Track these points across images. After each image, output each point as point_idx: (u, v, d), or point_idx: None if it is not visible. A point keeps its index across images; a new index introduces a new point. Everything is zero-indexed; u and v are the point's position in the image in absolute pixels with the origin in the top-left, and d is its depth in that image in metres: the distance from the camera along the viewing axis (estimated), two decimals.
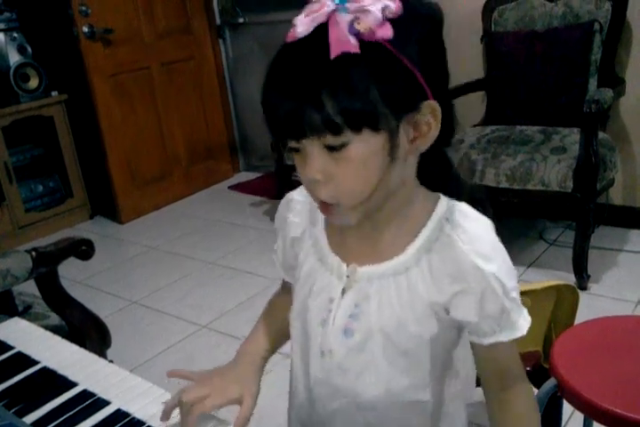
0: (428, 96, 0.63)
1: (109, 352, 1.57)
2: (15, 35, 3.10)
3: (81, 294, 1.68)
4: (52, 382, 0.90)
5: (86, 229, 3.35)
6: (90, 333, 1.51)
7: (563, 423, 1.44)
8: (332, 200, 0.65)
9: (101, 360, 0.96)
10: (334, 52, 0.58)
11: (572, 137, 2.31)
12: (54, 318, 1.50)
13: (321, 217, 0.76)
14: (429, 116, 0.64)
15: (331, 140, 0.60)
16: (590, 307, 1.66)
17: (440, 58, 0.67)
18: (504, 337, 0.70)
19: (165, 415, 0.78)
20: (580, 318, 1.30)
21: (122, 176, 3.36)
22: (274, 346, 0.87)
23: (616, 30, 2.42)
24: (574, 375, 1.07)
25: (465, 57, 2.87)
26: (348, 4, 0.59)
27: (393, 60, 0.60)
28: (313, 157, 0.63)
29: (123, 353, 1.62)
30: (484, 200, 0.75)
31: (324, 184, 0.64)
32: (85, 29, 3.06)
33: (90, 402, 0.84)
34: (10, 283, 1.36)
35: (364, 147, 0.61)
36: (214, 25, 3.77)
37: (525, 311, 0.71)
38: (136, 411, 0.82)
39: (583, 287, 2.20)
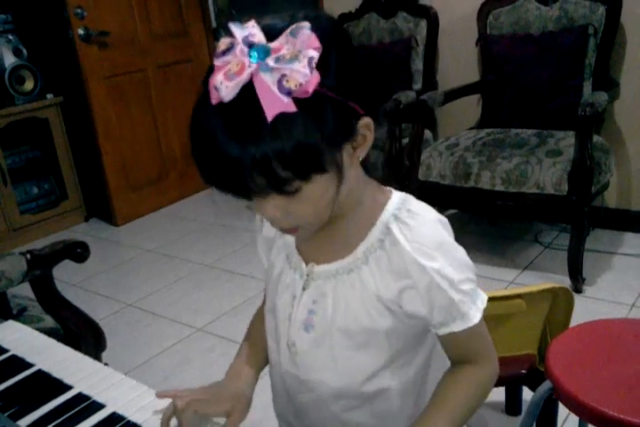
0: (359, 114, 0.64)
1: (104, 355, 1.56)
2: (10, 37, 3.10)
3: (76, 296, 1.68)
4: (47, 385, 0.89)
5: (82, 231, 3.34)
6: (85, 335, 1.50)
7: (558, 426, 1.44)
8: (294, 226, 0.68)
9: (96, 363, 0.96)
10: (270, 114, 0.56)
11: (567, 140, 2.31)
12: (49, 321, 1.49)
13: None
14: (364, 131, 0.66)
15: (282, 191, 0.62)
16: (585, 310, 1.67)
17: (356, 64, 0.66)
18: (456, 327, 0.73)
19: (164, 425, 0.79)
20: (575, 320, 1.30)
21: (117, 178, 3.35)
22: (263, 363, 0.89)
23: (610, 34, 2.44)
24: (569, 378, 1.08)
25: (460, 60, 2.88)
26: (268, 60, 0.57)
27: (325, 101, 0.59)
28: (268, 204, 0.64)
29: (118, 356, 1.62)
30: None
31: (284, 218, 0.66)
32: (81, 32, 3.06)
33: (85, 405, 0.84)
34: (4, 285, 1.35)
35: (316, 187, 0.63)
36: (210, 27, 3.77)
37: (480, 301, 0.74)
38: (131, 414, 0.82)
39: (578, 290, 2.21)
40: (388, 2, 2.95)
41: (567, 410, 1.10)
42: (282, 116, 0.57)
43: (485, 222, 2.85)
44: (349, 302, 0.74)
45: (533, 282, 2.25)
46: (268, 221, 0.73)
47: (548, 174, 2.19)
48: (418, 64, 2.88)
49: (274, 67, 0.57)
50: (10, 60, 3.07)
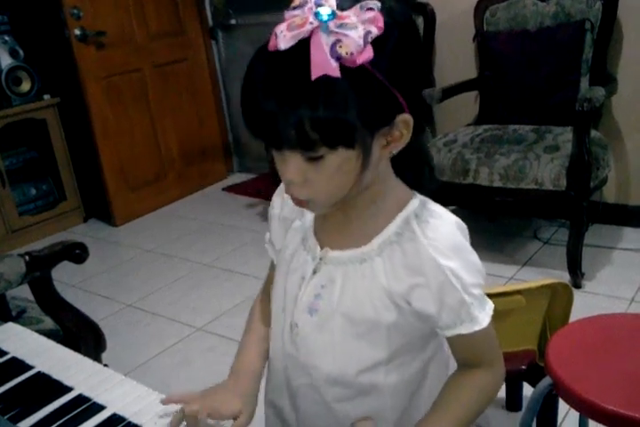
0: (402, 108, 0.66)
1: (104, 356, 1.56)
2: (7, 38, 3.09)
3: (75, 297, 1.68)
4: (47, 387, 0.89)
5: (80, 232, 3.34)
6: (85, 337, 1.50)
7: (558, 422, 1.45)
8: (307, 198, 0.70)
9: (96, 364, 0.96)
10: (315, 73, 0.59)
11: (565, 136, 2.31)
12: (49, 323, 1.49)
13: None
14: (402, 128, 0.67)
15: (307, 153, 0.64)
16: (585, 305, 1.67)
17: (416, 62, 0.68)
18: (464, 330, 0.73)
19: None
20: (575, 316, 1.30)
21: (115, 179, 3.35)
22: (265, 358, 0.89)
23: (607, 29, 2.43)
24: (569, 373, 1.08)
25: (458, 57, 2.88)
26: (330, 23, 0.60)
27: (371, 79, 0.61)
28: (291, 163, 0.66)
29: (118, 357, 1.62)
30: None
31: (300, 186, 0.68)
32: (77, 32, 3.05)
33: (85, 407, 0.84)
34: (3, 287, 1.35)
35: (339, 160, 0.65)
36: (206, 26, 3.76)
37: (488, 307, 0.74)
38: (132, 415, 0.81)
39: (577, 285, 2.21)
40: None
41: (567, 405, 1.10)
42: (325, 79, 0.59)
43: (484, 219, 2.85)
44: (357, 291, 0.74)
45: (533, 278, 2.25)
46: (286, 194, 0.73)
47: (546, 170, 2.18)
48: None
49: (333, 30, 0.60)
50: (6, 61, 3.07)
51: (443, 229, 0.71)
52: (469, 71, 2.79)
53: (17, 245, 3.07)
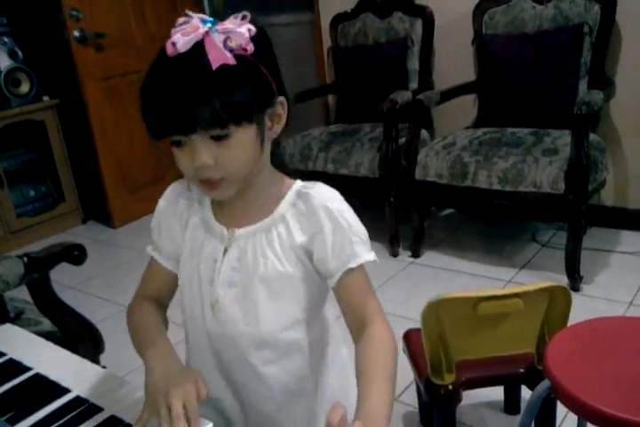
0: (277, 91, 0.81)
1: (102, 358, 1.56)
2: (6, 39, 3.09)
3: (74, 299, 1.67)
4: (45, 388, 0.89)
5: (79, 233, 3.34)
6: (83, 338, 1.50)
7: (557, 425, 1.45)
8: (221, 176, 0.80)
9: (94, 366, 0.96)
10: (215, 64, 0.73)
11: (564, 139, 2.32)
12: (46, 324, 1.49)
13: (207, 198, 0.92)
14: (280, 109, 0.83)
15: (217, 132, 0.76)
16: (583, 308, 1.67)
17: (274, 56, 0.83)
18: (352, 264, 0.83)
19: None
20: (573, 319, 1.30)
21: (114, 180, 3.35)
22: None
23: (605, 33, 2.44)
24: (568, 377, 1.08)
25: (456, 60, 2.88)
26: (217, 26, 0.75)
27: (254, 67, 0.77)
28: (202, 147, 0.77)
29: (116, 359, 1.61)
30: None
31: (214, 167, 0.79)
32: (76, 34, 3.06)
33: (83, 409, 0.84)
34: (1, 289, 1.35)
35: (243, 136, 0.78)
36: None
37: (372, 252, 0.85)
38: (129, 417, 0.81)
39: (576, 289, 2.21)
40: (384, 1, 2.95)
41: (566, 409, 1.11)
42: (225, 68, 0.73)
43: (482, 222, 2.84)
44: (267, 255, 0.85)
45: (531, 281, 2.25)
46: (193, 173, 0.81)
47: (544, 173, 2.19)
48: (414, 64, 2.88)
49: (220, 31, 0.75)
50: (5, 62, 3.07)
51: (326, 189, 0.87)
52: (468, 74, 2.80)
53: (15, 246, 3.06)
